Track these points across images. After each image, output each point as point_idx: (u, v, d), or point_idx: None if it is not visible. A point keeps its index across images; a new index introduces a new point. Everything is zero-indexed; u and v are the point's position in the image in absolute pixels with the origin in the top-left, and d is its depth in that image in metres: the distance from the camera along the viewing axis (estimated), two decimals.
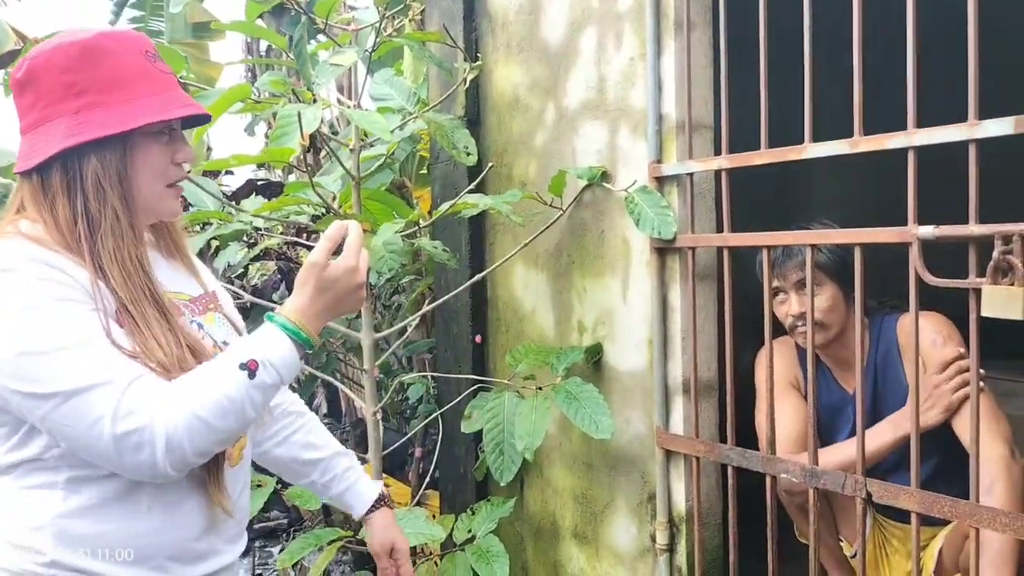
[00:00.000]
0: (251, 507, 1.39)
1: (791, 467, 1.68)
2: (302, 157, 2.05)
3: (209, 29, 5.06)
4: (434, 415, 2.57)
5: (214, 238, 2.21)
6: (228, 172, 3.99)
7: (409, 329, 2.46)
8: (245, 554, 1.42)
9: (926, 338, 1.79)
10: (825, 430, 1.99)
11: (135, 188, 1.12)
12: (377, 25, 2.04)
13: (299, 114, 1.69)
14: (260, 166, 5.06)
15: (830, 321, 1.89)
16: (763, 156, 1.68)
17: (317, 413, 4.49)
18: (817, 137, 1.58)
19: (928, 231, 1.40)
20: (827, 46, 1.80)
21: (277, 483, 2.18)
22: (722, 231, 1.80)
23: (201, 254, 3.05)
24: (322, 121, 2.03)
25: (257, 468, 1.57)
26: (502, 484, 2.01)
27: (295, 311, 1.12)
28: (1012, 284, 1.27)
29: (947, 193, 1.74)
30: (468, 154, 2.15)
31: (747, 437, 1.84)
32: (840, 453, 1.79)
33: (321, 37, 2.13)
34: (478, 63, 2.37)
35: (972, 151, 1.34)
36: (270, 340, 1.10)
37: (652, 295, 1.95)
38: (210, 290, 1.29)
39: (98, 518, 1.07)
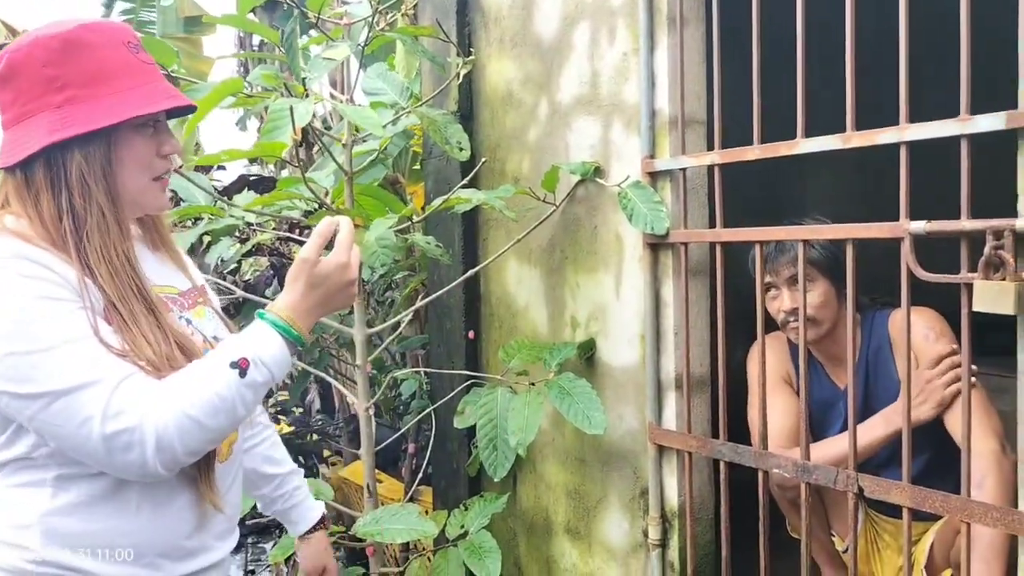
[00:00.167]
0: (243, 504, 1.39)
1: (783, 462, 1.69)
2: (294, 152, 2.04)
3: (201, 23, 5.04)
4: (427, 411, 2.56)
5: (206, 233, 2.20)
6: (220, 167, 3.97)
7: (402, 325, 2.45)
8: (237, 550, 1.43)
9: (918, 333, 1.79)
10: (817, 425, 1.99)
11: (120, 183, 1.11)
12: (370, 19, 2.03)
13: (291, 108, 1.68)
14: (252, 161, 5.05)
15: (822, 317, 1.90)
16: (755, 151, 1.68)
17: (310, 409, 4.50)
18: (812, 132, 1.58)
19: (920, 226, 1.40)
20: (819, 41, 1.80)
21: None
22: (715, 226, 1.80)
23: (193, 249, 3.04)
24: (315, 116, 2.02)
25: None
26: (495, 480, 2.01)
27: (286, 308, 1.12)
28: (1004, 279, 1.28)
29: (938, 189, 1.75)
30: (461, 149, 2.14)
31: (739, 432, 1.84)
32: (832, 447, 1.79)
33: (314, 32, 2.12)
34: (471, 58, 2.36)
35: (964, 146, 1.34)
36: (261, 338, 1.09)
37: (645, 290, 1.95)
38: (198, 284, 1.28)
39: (86, 516, 1.06)
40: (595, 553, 2.17)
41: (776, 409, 1.92)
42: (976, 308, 1.31)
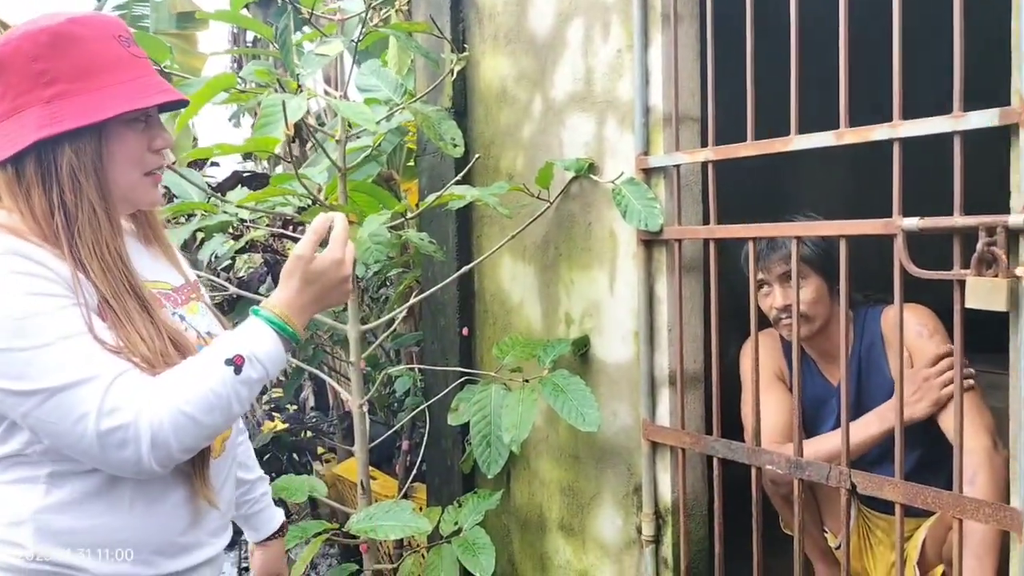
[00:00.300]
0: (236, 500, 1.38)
1: (776, 458, 1.69)
2: (288, 148, 2.04)
3: (194, 19, 5.02)
4: (421, 408, 2.56)
5: (199, 229, 2.20)
6: (214, 164, 3.96)
7: (396, 322, 2.45)
8: (232, 547, 1.43)
9: (911, 330, 1.80)
10: (810, 422, 1.99)
11: (112, 178, 1.10)
12: (363, 15, 2.02)
13: (283, 103, 1.67)
14: (246, 158, 5.04)
15: (814, 313, 1.90)
16: (749, 148, 1.68)
17: (304, 406, 4.50)
18: (807, 129, 1.58)
19: (913, 223, 1.40)
20: (813, 38, 1.80)
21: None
22: (708, 223, 1.80)
23: (186, 245, 3.03)
24: (308, 112, 2.02)
25: None
26: (489, 476, 2.01)
27: (281, 304, 1.12)
28: (996, 275, 1.28)
29: (931, 186, 1.75)
30: (455, 146, 2.14)
31: (733, 429, 1.84)
32: (826, 443, 1.79)
33: (307, 28, 2.12)
34: (465, 54, 2.36)
35: (957, 143, 1.35)
36: (256, 334, 1.09)
37: (639, 287, 1.95)
38: (191, 279, 1.28)
39: (80, 513, 1.06)
40: (589, 549, 2.17)
41: (769, 406, 1.93)
42: (968, 304, 1.32)
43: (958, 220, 1.34)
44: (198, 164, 3.78)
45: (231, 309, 2.88)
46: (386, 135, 2.20)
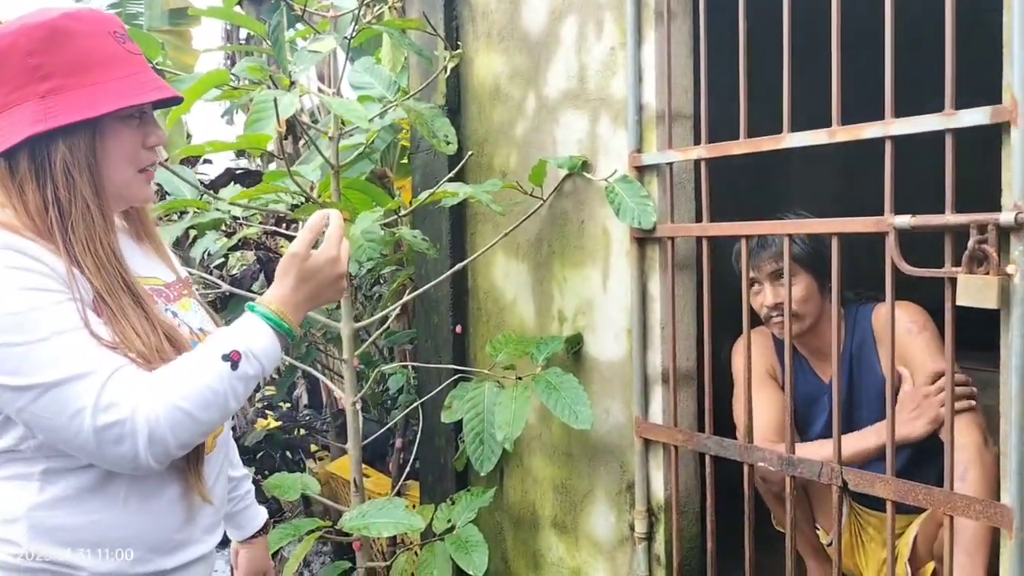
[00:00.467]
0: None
1: (768, 456, 1.70)
2: (280, 145, 2.03)
3: (187, 16, 5.00)
4: (414, 405, 2.56)
5: (191, 227, 2.19)
6: (206, 161, 3.95)
7: (390, 319, 2.45)
8: (225, 544, 1.43)
9: (901, 327, 1.80)
10: (801, 419, 2.00)
11: (105, 175, 1.09)
12: (357, 12, 2.02)
13: (275, 100, 1.67)
14: (239, 155, 5.02)
15: (804, 311, 1.91)
16: (742, 146, 1.69)
17: (298, 404, 4.49)
18: (800, 127, 1.59)
19: (904, 220, 1.41)
20: (807, 35, 1.80)
21: (256, 474, 2.17)
22: (701, 221, 1.80)
23: (179, 243, 3.03)
24: (302, 109, 2.02)
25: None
26: (482, 474, 2.01)
27: (277, 301, 1.12)
28: (987, 273, 1.29)
29: (922, 184, 1.76)
30: (448, 143, 2.14)
31: (725, 426, 1.85)
32: (820, 451, 1.78)
33: (300, 25, 2.11)
34: (458, 51, 2.36)
35: (949, 141, 1.35)
36: (252, 330, 1.09)
37: (632, 285, 1.95)
38: (183, 276, 1.27)
39: (74, 510, 1.06)
40: (582, 547, 2.17)
41: (761, 403, 1.93)
42: (960, 302, 1.32)
43: (950, 218, 1.34)
44: (191, 161, 3.77)
45: (224, 307, 2.87)
46: (379, 132, 2.20)
